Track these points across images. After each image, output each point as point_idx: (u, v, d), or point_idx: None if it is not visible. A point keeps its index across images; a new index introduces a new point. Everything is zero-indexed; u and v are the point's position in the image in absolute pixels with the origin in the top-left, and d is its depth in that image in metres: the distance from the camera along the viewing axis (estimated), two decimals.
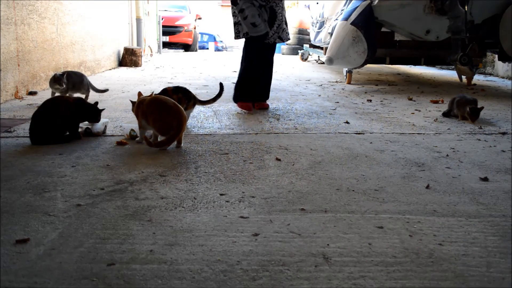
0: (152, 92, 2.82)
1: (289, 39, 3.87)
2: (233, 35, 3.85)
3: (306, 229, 1.58)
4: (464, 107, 3.48)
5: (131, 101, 2.83)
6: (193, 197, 1.86)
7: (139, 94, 2.79)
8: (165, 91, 3.03)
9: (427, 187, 2.01)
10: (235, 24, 3.73)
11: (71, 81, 3.79)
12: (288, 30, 3.82)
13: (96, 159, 2.38)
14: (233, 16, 3.73)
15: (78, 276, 1.26)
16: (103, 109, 2.87)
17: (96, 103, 2.83)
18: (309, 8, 10.56)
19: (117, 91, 4.86)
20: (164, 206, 1.76)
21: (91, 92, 4.07)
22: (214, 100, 3.22)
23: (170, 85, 3.28)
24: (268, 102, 4.31)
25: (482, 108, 3.49)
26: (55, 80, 3.67)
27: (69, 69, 5.57)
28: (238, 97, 3.82)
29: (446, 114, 3.67)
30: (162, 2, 13.83)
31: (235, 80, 6.13)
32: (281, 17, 3.72)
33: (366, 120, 3.47)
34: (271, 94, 4.76)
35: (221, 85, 3.29)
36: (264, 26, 3.63)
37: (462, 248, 1.45)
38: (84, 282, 1.23)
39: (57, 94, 3.67)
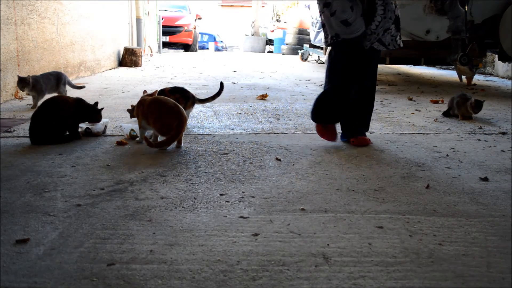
0: (156, 90, 2.83)
1: (397, 46, 2.63)
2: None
3: (306, 229, 1.58)
4: (465, 105, 3.49)
5: (128, 110, 2.94)
6: (193, 197, 1.86)
7: (144, 92, 2.84)
8: (162, 92, 3.03)
9: (427, 187, 2.01)
10: (324, 25, 2.71)
11: (50, 83, 3.72)
12: (397, 35, 2.61)
13: (96, 159, 2.38)
14: (320, 14, 2.73)
15: (78, 276, 1.26)
16: (103, 108, 2.87)
17: (96, 103, 2.83)
18: (309, 8, 10.56)
19: (117, 91, 4.86)
20: (164, 206, 1.76)
21: (91, 92, 4.07)
22: (213, 98, 3.22)
23: (170, 85, 3.29)
24: (268, 102, 4.32)
25: (484, 101, 3.52)
26: (21, 81, 3.56)
27: (69, 69, 5.59)
28: (317, 117, 2.74)
29: (446, 114, 3.67)
30: (162, 2, 13.83)
31: (235, 79, 6.18)
32: (383, 13, 2.51)
33: None
34: (271, 94, 4.79)
35: (221, 84, 3.29)
36: (360, 24, 2.52)
37: (462, 248, 1.45)
38: (84, 282, 1.23)
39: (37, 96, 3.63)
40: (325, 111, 2.70)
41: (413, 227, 1.60)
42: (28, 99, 4.14)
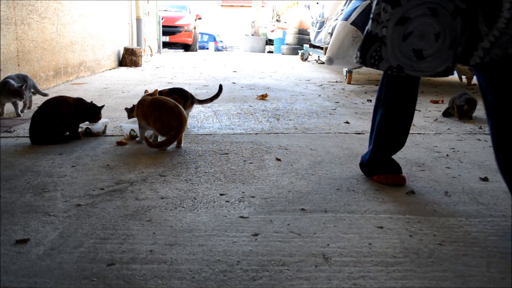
0: (156, 90, 2.84)
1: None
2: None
3: (306, 229, 1.58)
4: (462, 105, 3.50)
5: (126, 109, 2.96)
6: (193, 197, 1.86)
7: (146, 91, 2.85)
8: (160, 94, 3.03)
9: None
10: (370, 37, 1.86)
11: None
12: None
13: (96, 159, 2.38)
14: (372, 21, 1.87)
15: (78, 276, 1.26)
16: (103, 106, 2.87)
17: (91, 102, 2.84)
18: (309, 8, 10.56)
19: (117, 91, 4.86)
20: (164, 206, 1.76)
21: (91, 92, 4.06)
22: (211, 99, 3.23)
23: (170, 85, 3.29)
24: (268, 102, 4.32)
25: (468, 108, 3.49)
26: (14, 93, 3.27)
27: (69, 69, 5.59)
28: (377, 168, 2.09)
29: (445, 113, 3.67)
30: (162, 2, 13.84)
31: (235, 80, 6.17)
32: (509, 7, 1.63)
33: (366, 120, 3.46)
34: (271, 94, 4.79)
35: (220, 86, 3.31)
36: (441, 60, 1.74)
37: (462, 248, 1.45)
38: (84, 282, 1.23)
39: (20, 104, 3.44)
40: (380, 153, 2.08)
41: (413, 227, 1.60)
42: None
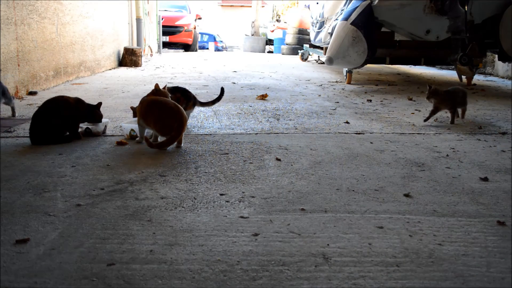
0: (157, 84, 2.83)
1: None
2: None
3: (306, 229, 1.58)
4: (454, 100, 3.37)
5: (132, 108, 2.92)
6: (193, 197, 1.86)
7: (156, 86, 2.80)
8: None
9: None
10: None
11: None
12: None
13: (96, 159, 2.38)
14: None
15: (78, 276, 1.26)
16: (101, 103, 2.85)
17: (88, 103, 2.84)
18: (309, 8, 10.57)
19: (117, 91, 4.86)
20: (164, 206, 1.76)
21: (91, 92, 4.06)
22: (213, 102, 3.24)
23: (170, 85, 3.29)
24: (268, 102, 4.32)
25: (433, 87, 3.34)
26: None
27: (69, 69, 5.58)
28: None
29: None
30: (162, 2, 13.84)
31: (235, 80, 6.17)
32: None
33: (366, 120, 3.47)
34: (271, 94, 4.79)
35: (222, 89, 3.31)
36: None
37: (462, 248, 1.45)
38: (84, 282, 1.23)
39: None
40: None
41: (413, 227, 1.60)
42: (28, 99, 4.14)
